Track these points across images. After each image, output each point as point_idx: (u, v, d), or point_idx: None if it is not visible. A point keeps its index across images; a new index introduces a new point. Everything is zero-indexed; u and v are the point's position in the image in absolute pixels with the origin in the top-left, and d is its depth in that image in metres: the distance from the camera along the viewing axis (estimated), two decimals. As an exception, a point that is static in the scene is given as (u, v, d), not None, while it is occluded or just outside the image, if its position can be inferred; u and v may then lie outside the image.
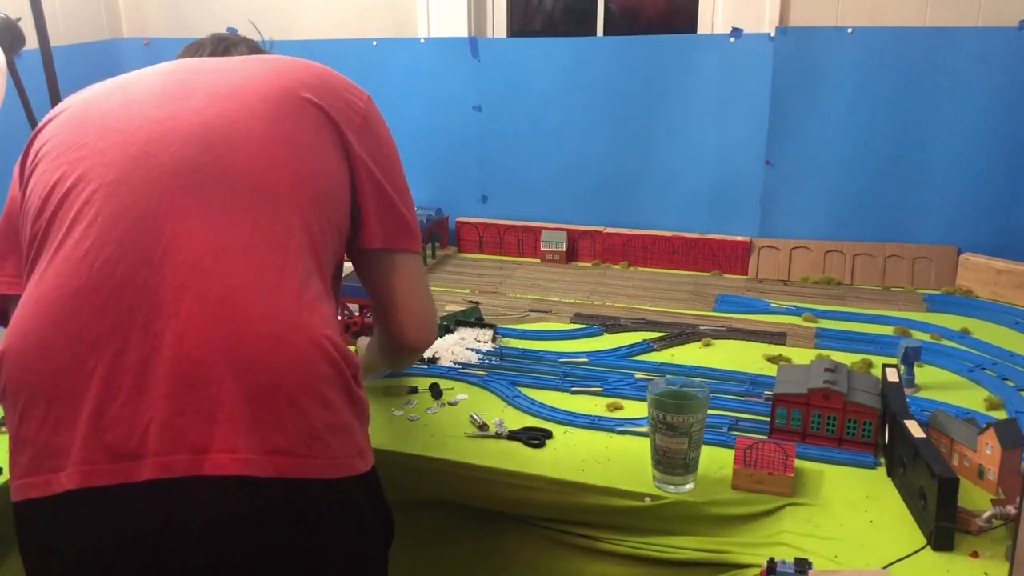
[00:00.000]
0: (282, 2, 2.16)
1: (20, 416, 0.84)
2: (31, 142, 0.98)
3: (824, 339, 1.56)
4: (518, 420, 1.29)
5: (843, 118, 1.83)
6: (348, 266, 1.07)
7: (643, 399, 1.21)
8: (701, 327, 1.62)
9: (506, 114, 2.05)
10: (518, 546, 1.22)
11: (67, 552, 0.83)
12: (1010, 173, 1.77)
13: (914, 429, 1.06)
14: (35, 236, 0.90)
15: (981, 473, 1.08)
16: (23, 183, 0.96)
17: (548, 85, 2.00)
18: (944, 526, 0.96)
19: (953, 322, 1.63)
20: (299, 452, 0.83)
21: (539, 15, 2.27)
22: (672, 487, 1.10)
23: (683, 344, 1.56)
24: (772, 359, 1.47)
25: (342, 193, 0.97)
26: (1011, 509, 0.96)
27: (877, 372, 1.34)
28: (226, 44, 1.16)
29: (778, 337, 1.57)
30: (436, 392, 1.37)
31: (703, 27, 2.00)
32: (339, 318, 1.40)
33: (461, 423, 1.29)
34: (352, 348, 1.49)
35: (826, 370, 1.21)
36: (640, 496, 1.10)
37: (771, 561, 0.92)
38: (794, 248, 1.90)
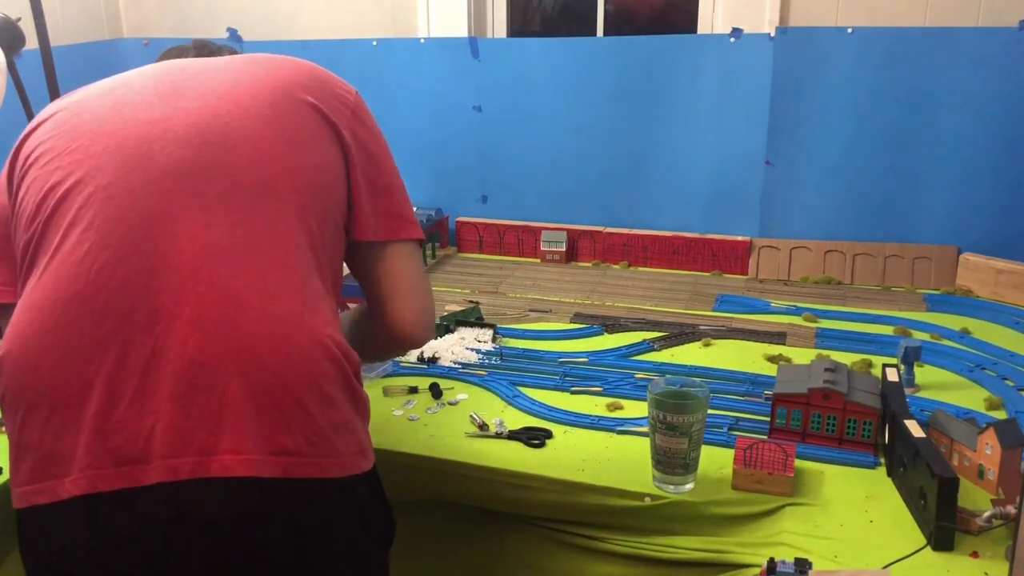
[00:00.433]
0: (282, 2, 2.16)
1: (21, 423, 0.83)
2: (18, 148, 0.96)
3: (824, 339, 1.56)
4: (518, 420, 1.29)
5: (843, 118, 1.83)
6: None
7: (643, 399, 1.21)
8: (701, 327, 1.62)
9: (506, 114, 2.05)
10: (518, 546, 1.22)
11: (72, 558, 0.82)
12: (1010, 173, 1.77)
13: (914, 429, 1.06)
14: (30, 241, 0.89)
15: (981, 473, 1.08)
16: (12, 190, 0.95)
17: (548, 85, 2.00)
18: (944, 526, 0.96)
19: (953, 322, 1.63)
20: (304, 451, 0.83)
21: (539, 15, 2.27)
22: (672, 487, 1.10)
23: (683, 344, 1.56)
24: (772, 359, 1.47)
25: (339, 188, 0.97)
26: (1011, 509, 0.96)
27: (877, 372, 1.34)
28: (210, 49, 1.16)
29: (778, 337, 1.57)
30: (436, 392, 1.37)
31: (703, 27, 2.00)
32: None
33: (461, 423, 1.29)
34: None
35: (826, 370, 1.21)
36: (640, 496, 1.10)
37: (771, 561, 0.92)
38: (794, 248, 1.90)
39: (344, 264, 1.04)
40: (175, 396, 0.81)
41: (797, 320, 1.66)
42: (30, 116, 1.68)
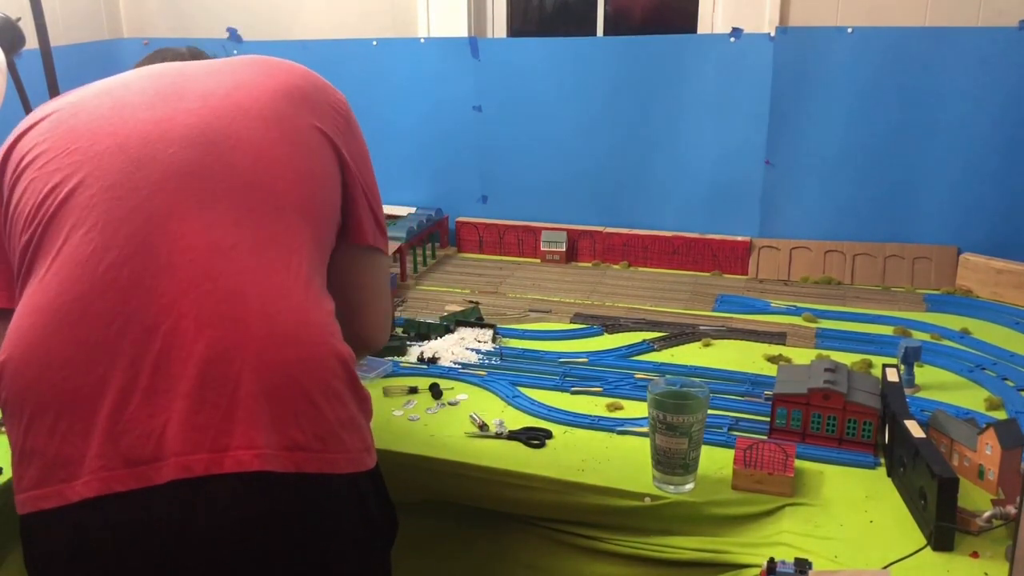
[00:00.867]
0: (282, 2, 2.16)
1: (26, 428, 0.82)
2: (9, 150, 0.95)
3: (824, 339, 1.56)
4: (518, 420, 1.29)
5: (843, 118, 1.83)
6: None
7: (643, 399, 1.21)
8: (701, 327, 1.62)
9: (506, 114, 2.05)
10: (518, 546, 1.22)
11: (83, 560, 0.82)
12: (1010, 173, 1.77)
13: (914, 429, 1.06)
14: (29, 244, 0.88)
15: (981, 473, 1.08)
16: (4, 193, 0.93)
17: (548, 85, 2.00)
18: (944, 526, 0.96)
19: (953, 322, 1.63)
20: (315, 447, 0.83)
21: (539, 15, 2.27)
22: (672, 487, 1.10)
23: (683, 344, 1.56)
24: (772, 359, 1.47)
25: (336, 192, 0.98)
26: (1011, 509, 0.96)
27: (877, 372, 1.34)
28: (194, 54, 1.16)
29: (778, 337, 1.57)
30: (436, 392, 1.37)
31: (703, 27, 2.00)
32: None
33: (461, 423, 1.29)
34: None
35: (826, 370, 1.21)
36: (640, 496, 1.10)
37: (771, 561, 0.92)
38: (794, 248, 1.90)
39: None
40: (187, 393, 0.81)
41: (797, 320, 1.66)
42: (30, 116, 1.68)
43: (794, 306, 1.72)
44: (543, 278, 1.93)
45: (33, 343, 0.83)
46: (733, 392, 1.36)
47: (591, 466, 1.16)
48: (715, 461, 1.14)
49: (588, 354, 1.51)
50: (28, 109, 1.67)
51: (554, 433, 1.25)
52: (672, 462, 1.08)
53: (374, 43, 2.11)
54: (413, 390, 1.39)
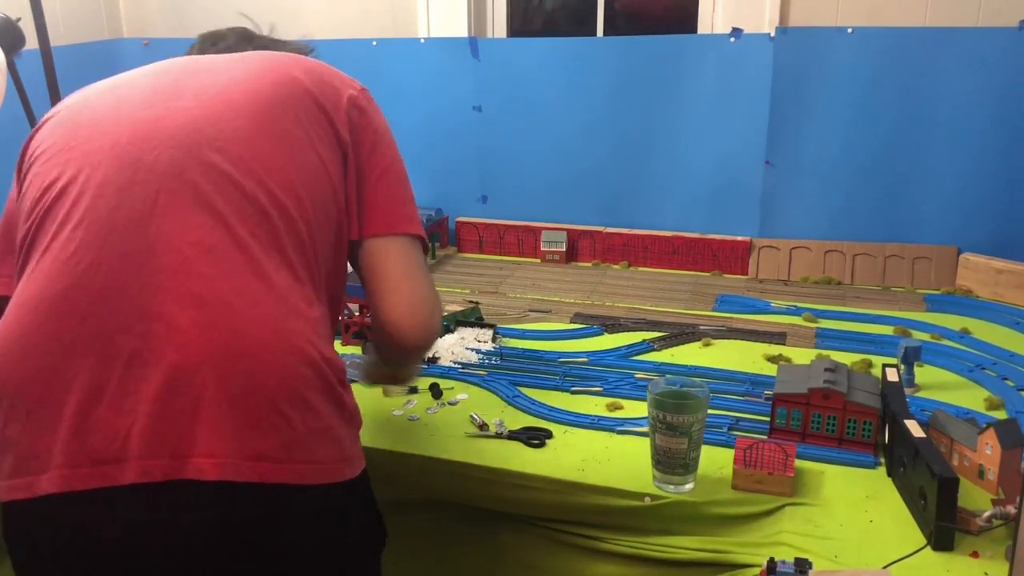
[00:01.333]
0: (282, 2, 2.17)
1: (4, 418, 0.83)
2: (26, 145, 0.98)
3: (824, 339, 1.56)
4: (518, 420, 1.29)
5: (843, 118, 1.83)
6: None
7: (643, 399, 1.21)
8: (701, 327, 1.62)
9: (506, 114, 2.05)
10: (518, 546, 1.22)
11: (47, 555, 0.83)
12: (1010, 173, 1.77)
13: (914, 429, 1.06)
14: (25, 238, 0.90)
15: (981, 473, 1.08)
16: (20, 186, 0.96)
17: (548, 85, 2.00)
18: (944, 526, 0.96)
19: (953, 322, 1.63)
20: (280, 457, 0.81)
21: (539, 15, 2.26)
22: (672, 487, 1.10)
23: (683, 344, 1.56)
24: (772, 359, 1.47)
25: (335, 186, 0.96)
26: (1011, 509, 0.96)
27: (877, 372, 1.34)
28: (238, 35, 1.18)
29: (778, 337, 1.57)
30: (436, 392, 1.37)
31: (703, 27, 2.00)
32: (339, 318, 1.39)
33: (461, 423, 1.29)
34: (358, 350, 1.49)
35: (826, 370, 1.21)
36: (640, 496, 1.10)
37: (771, 561, 0.92)
38: (794, 248, 1.90)
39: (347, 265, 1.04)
40: (154, 396, 0.80)
41: (797, 320, 1.66)
42: (30, 116, 1.68)
43: (794, 306, 1.72)
44: (543, 278, 1.93)
45: (14, 336, 0.84)
46: (733, 392, 1.36)
47: (591, 466, 1.16)
48: (715, 461, 1.14)
49: (588, 354, 1.51)
50: (28, 109, 1.67)
51: (554, 433, 1.25)
52: (672, 462, 1.08)
53: (374, 43, 2.11)
54: (413, 390, 1.39)
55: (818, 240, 1.89)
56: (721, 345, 1.55)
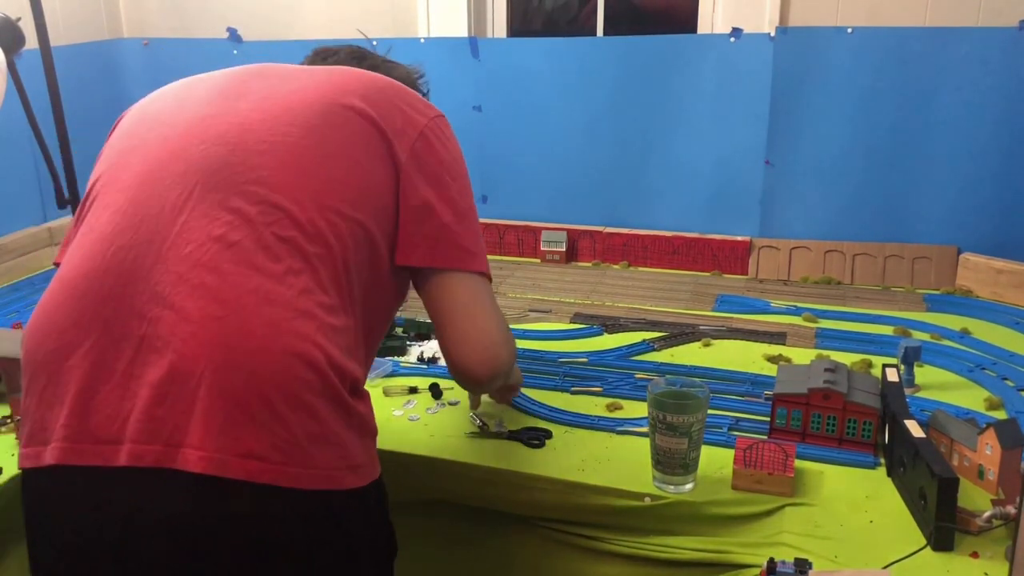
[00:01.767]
0: (282, 2, 2.16)
1: (26, 389, 0.88)
2: (113, 128, 1.04)
3: (824, 339, 1.56)
4: (518, 420, 1.29)
5: (843, 118, 1.83)
6: None
7: (643, 399, 1.21)
8: (701, 327, 1.62)
9: (506, 114, 2.05)
10: (518, 546, 1.22)
11: (44, 525, 0.87)
12: (1010, 173, 1.77)
13: (914, 429, 1.06)
14: (79, 216, 0.96)
15: (981, 473, 1.08)
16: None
17: (548, 85, 2.00)
18: (944, 526, 0.96)
19: (953, 322, 1.63)
20: (273, 458, 0.81)
21: (539, 15, 2.26)
22: (672, 487, 1.10)
23: (683, 344, 1.56)
24: (772, 359, 1.47)
25: (384, 206, 0.96)
26: (1011, 509, 0.96)
27: (877, 372, 1.34)
28: (350, 52, 1.23)
29: (778, 337, 1.57)
30: (436, 392, 1.37)
31: (703, 27, 2.00)
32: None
33: (461, 423, 1.29)
34: None
35: (826, 370, 1.21)
36: (640, 496, 1.10)
37: (771, 561, 0.92)
38: (794, 248, 1.90)
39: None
40: (154, 383, 0.82)
41: (797, 320, 1.66)
42: (30, 116, 1.68)
43: (794, 306, 1.72)
44: (543, 278, 1.93)
45: (45, 311, 0.89)
46: (733, 392, 1.36)
47: (591, 466, 1.16)
48: (715, 461, 1.14)
49: (588, 354, 1.51)
50: (28, 109, 1.67)
51: (554, 433, 1.25)
52: (672, 462, 1.08)
53: (374, 43, 2.10)
54: (413, 390, 1.39)
55: (818, 240, 1.89)
56: (721, 345, 1.55)
